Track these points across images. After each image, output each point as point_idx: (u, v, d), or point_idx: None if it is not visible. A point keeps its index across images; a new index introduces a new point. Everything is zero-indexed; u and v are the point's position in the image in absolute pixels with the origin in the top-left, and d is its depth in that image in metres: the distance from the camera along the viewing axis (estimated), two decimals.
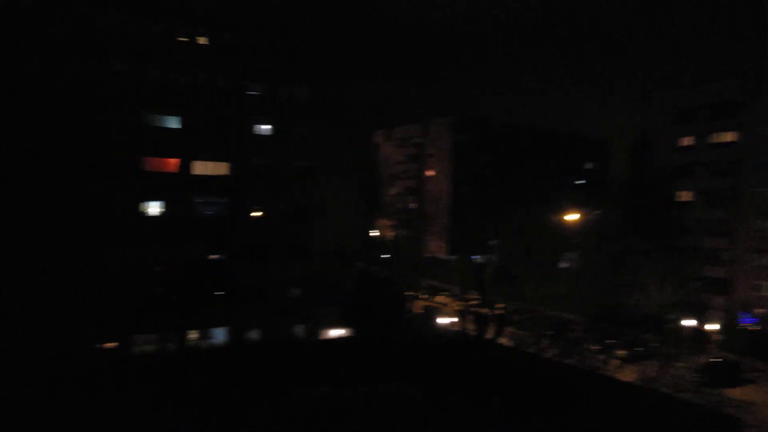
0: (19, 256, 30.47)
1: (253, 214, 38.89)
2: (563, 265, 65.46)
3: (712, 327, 46.98)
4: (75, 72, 33.03)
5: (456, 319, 49.48)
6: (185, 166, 36.61)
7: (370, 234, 73.80)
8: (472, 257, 68.22)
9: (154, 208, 35.71)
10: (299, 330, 39.10)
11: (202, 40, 37.69)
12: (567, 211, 52.77)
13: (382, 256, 68.33)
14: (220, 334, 36.56)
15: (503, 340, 37.81)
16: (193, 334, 35.62)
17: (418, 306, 57.56)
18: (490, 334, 39.89)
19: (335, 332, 39.50)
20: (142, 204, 35.18)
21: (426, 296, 63.84)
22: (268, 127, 39.81)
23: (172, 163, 36.42)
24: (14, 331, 28.98)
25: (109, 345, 32.13)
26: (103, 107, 33.56)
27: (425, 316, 51.24)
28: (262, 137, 39.55)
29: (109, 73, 34.17)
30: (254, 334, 37.47)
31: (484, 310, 46.60)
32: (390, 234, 75.04)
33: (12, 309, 29.47)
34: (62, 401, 20.93)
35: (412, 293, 58.18)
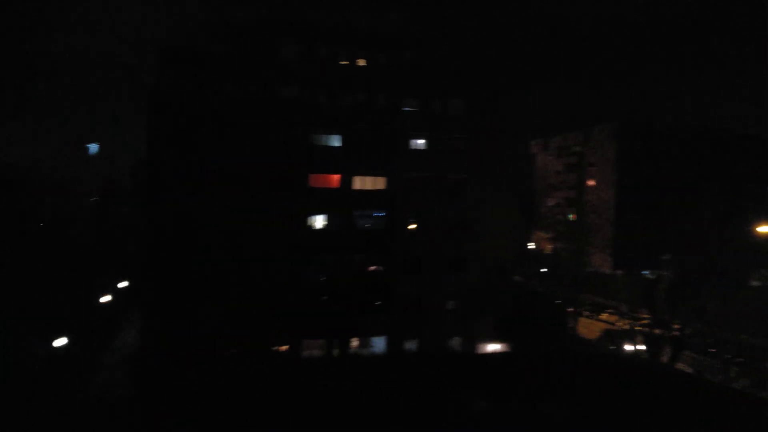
0: (218, 268, 34.14)
1: (410, 226, 39.72)
2: (754, 282, 57.38)
3: None
4: (254, 97, 36.69)
5: (624, 339, 45.72)
6: (346, 182, 38.58)
7: (527, 247, 71.40)
8: (642, 272, 62.71)
9: (319, 221, 38.20)
10: (455, 342, 38.97)
11: (361, 62, 39.80)
12: (755, 220, 46.22)
13: (540, 269, 65.69)
14: (379, 343, 37.84)
15: (681, 366, 34.01)
16: (354, 342, 37.38)
17: (580, 323, 54.29)
18: (665, 358, 36.23)
19: (492, 346, 38.69)
20: (309, 218, 37.79)
21: (589, 313, 60.08)
22: (424, 141, 40.53)
23: (335, 179, 38.62)
24: (208, 331, 32.56)
25: (282, 348, 34.99)
26: (276, 129, 36.85)
27: (589, 335, 48.05)
28: (418, 151, 40.35)
29: (282, 97, 37.47)
30: (412, 345, 38.17)
31: (658, 331, 42.35)
32: (548, 247, 71.90)
33: (205, 312, 33.16)
34: (250, 397, 22.93)
35: (573, 309, 55.04)
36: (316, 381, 29.67)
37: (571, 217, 78.92)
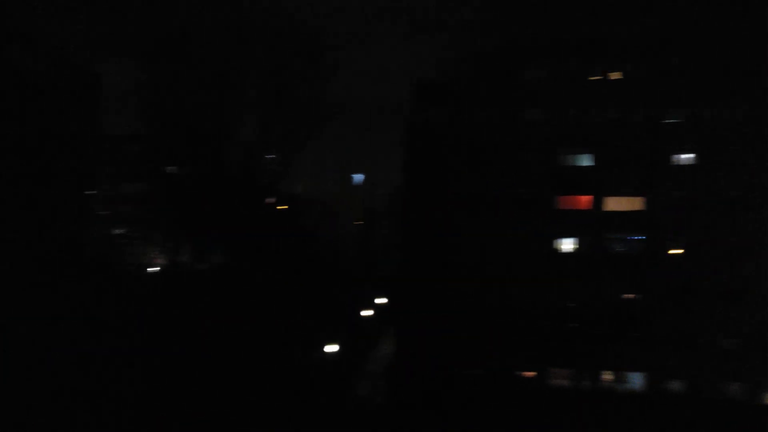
0: (468, 287, 35.39)
1: (674, 251, 35.46)
2: None
3: None
4: (501, 121, 37.38)
5: None
6: (598, 203, 36.41)
7: None
8: None
9: (567, 245, 36.68)
10: (734, 389, 33.19)
11: (615, 75, 37.42)
12: None
13: None
14: (635, 379, 34.35)
15: None
16: (607, 375, 34.59)
17: None
18: None
19: None
20: (555, 241, 36.60)
21: None
22: (690, 155, 36.01)
23: (585, 200, 36.75)
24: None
25: (528, 374, 34.29)
26: (523, 151, 36.89)
27: None
28: (683, 167, 36.01)
29: (528, 119, 37.43)
30: (676, 385, 33.74)
31: None
32: None
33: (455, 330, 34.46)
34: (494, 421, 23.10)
35: None
36: (565, 412, 28.35)
37: None
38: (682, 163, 35.85)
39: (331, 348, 29.13)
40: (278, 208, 43.86)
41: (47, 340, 24.27)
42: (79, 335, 25.82)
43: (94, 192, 40.51)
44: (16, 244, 30.37)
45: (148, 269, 39.81)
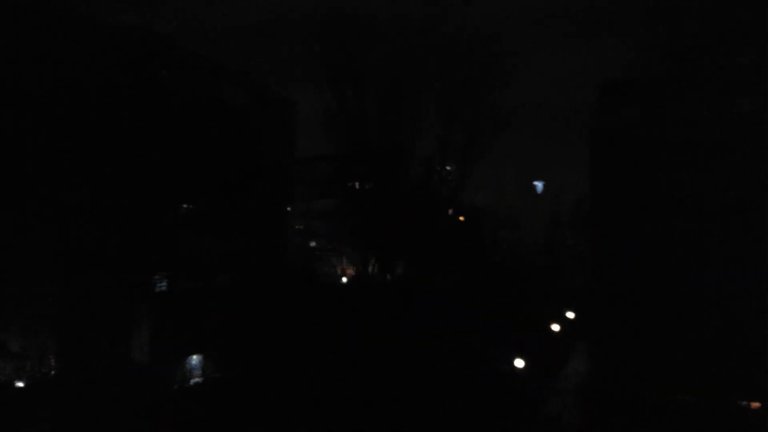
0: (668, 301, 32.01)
1: None
2: None
3: None
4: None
5: None
6: None
7: None
8: None
9: None
10: None
11: None
12: None
13: None
14: None
15: None
16: None
17: None
18: None
19: None
20: None
21: None
22: None
23: None
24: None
25: (753, 404, 29.43)
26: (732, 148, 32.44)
27: None
28: None
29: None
30: None
31: None
32: None
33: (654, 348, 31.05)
34: None
35: None
36: None
37: None
38: None
39: (519, 363, 28.16)
40: (459, 219, 43.97)
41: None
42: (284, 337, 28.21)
43: (290, 209, 44.47)
44: (229, 255, 34.51)
45: (341, 279, 42.57)
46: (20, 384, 22.59)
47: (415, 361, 27.55)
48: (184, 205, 32.81)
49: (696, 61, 35.33)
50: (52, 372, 23.80)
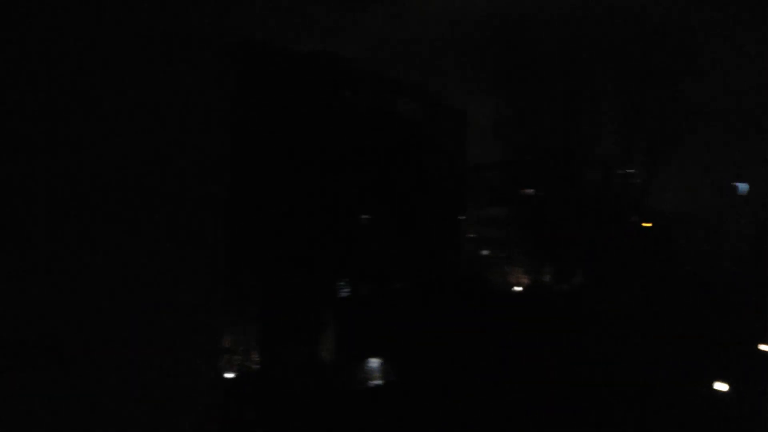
0: None
1: None
2: None
3: None
4: None
5: None
6: None
7: None
8: None
9: None
10: None
11: None
12: None
13: None
14: None
15: None
16: None
17: None
18: None
19: None
20: None
21: None
22: None
23: None
24: None
25: None
26: None
27: None
28: None
29: None
30: None
31: None
32: None
33: None
34: None
35: None
36: None
37: None
38: None
39: (722, 386, 25.02)
40: (643, 225, 40.66)
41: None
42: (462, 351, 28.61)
43: (464, 217, 44.97)
44: (405, 263, 35.98)
45: (514, 288, 41.92)
46: (229, 375, 26.01)
47: (592, 383, 26.02)
48: (364, 215, 35.07)
49: None
50: (256, 366, 27.04)
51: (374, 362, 29.81)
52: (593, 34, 41.76)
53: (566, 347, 28.74)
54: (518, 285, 40.96)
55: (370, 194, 36.35)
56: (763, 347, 29.25)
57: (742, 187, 42.05)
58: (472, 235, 48.16)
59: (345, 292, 32.62)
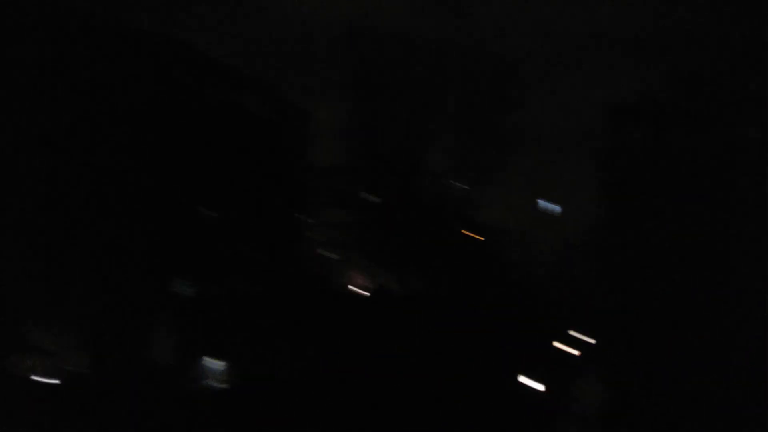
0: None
1: None
2: None
3: None
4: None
5: None
6: None
7: None
8: None
9: None
10: None
11: None
12: None
13: None
14: None
15: None
16: None
17: None
18: None
19: None
20: None
21: None
22: None
23: None
24: None
25: None
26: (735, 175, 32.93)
27: None
28: None
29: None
30: None
31: None
32: None
33: None
34: None
35: None
36: None
37: None
38: None
39: (533, 385, 28.22)
40: (471, 237, 44.36)
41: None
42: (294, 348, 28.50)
43: (307, 219, 44.85)
44: (246, 263, 34.77)
45: (353, 291, 42.76)
46: (53, 381, 23.13)
47: (420, 381, 27.72)
48: (204, 211, 33.16)
49: (701, 87, 35.77)
50: (83, 370, 24.37)
51: (210, 364, 28.38)
52: (437, 55, 44.69)
53: (399, 348, 30.13)
54: (358, 288, 41.93)
55: (210, 190, 34.55)
56: (572, 350, 33.78)
57: (551, 207, 48.01)
58: (315, 237, 48.20)
59: (178, 291, 30.55)
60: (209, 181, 34.09)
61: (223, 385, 27.53)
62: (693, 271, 32.62)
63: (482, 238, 45.29)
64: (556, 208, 49.26)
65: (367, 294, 40.65)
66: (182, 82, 34.89)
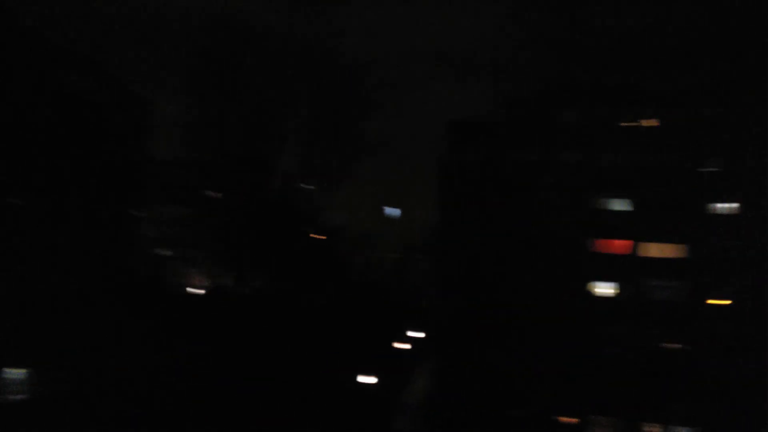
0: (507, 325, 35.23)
1: (717, 301, 35.03)
2: None
3: None
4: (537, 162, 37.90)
5: None
6: (635, 248, 36.38)
7: None
8: None
9: (604, 289, 36.50)
10: None
11: (652, 122, 37.89)
12: None
13: None
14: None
15: None
16: (653, 428, 33.74)
17: None
18: None
19: None
20: (590, 284, 36.45)
21: None
22: (733, 205, 35.94)
23: (623, 245, 36.71)
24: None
25: (569, 419, 33.56)
26: (559, 192, 37.17)
27: None
28: (724, 216, 35.93)
29: (564, 161, 37.90)
30: None
31: None
32: None
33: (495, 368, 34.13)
34: None
35: None
36: None
37: None
38: (720, 212, 35.86)
39: (368, 379, 29.13)
40: (317, 237, 44.65)
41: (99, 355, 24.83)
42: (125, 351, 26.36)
43: (143, 214, 41.66)
44: (68, 262, 31.20)
45: (192, 290, 40.58)
46: None
47: (259, 377, 27.31)
48: (15, 201, 29.12)
49: (527, 109, 39.77)
50: None
51: (15, 373, 24.94)
52: (293, 61, 44.39)
53: (237, 347, 29.34)
54: (198, 288, 39.91)
55: (25, 178, 30.48)
56: (405, 345, 35.43)
57: (394, 212, 50.30)
58: (150, 234, 44.88)
59: None
60: (25, 165, 30.14)
61: (22, 396, 24.41)
62: (519, 270, 36.17)
63: (324, 237, 45.86)
64: (397, 212, 52.08)
65: (204, 293, 38.95)
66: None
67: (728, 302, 34.61)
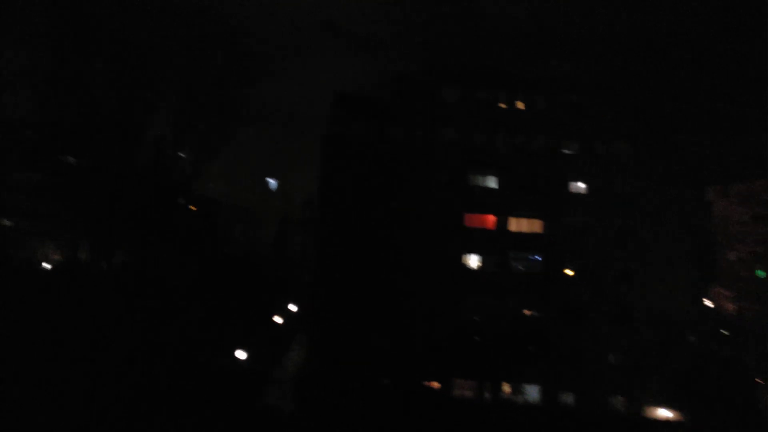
0: (381, 297, 35.66)
1: (569, 272, 38.16)
2: None
3: None
4: (416, 139, 38.61)
5: None
6: (502, 223, 38.44)
7: (704, 304, 64.14)
8: None
9: (474, 261, 38.36)
10: (617, 402, 36.09)
11: (520, 105, 39.99)
12: None
13: (720, 330, 58.47)
14: (532, 392, 36.37)
15: None
16: (506, 387, 36.41)
17: None
18: None
19: (662, 412, 35.13)
20: (463, 257, 38.13)
21: None
22: (585, 185, 39.09)
23: (491, 220, 38.67)
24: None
25: (433, 383, 35.25)
26: (436, 168, 38.24)
27: None
28: (579, 195, 38.99)
29: (442, 139, 39.00)
30: (568, 398, 36.14)
31: None
32: (729, 306, 64.03)
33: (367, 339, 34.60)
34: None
35: (763, 381, 47.84)
36: (466, 423, 29.36)
37: (761, 274, 69.56)
38: (578, 191, 38.88)
39: (240, 354, 28.39)
40: (189, 208, 42.40)
41: None
42: None
43: None
44: None
45: (42, 265, 36.80)
46: None
47: (124, 354, 25.70)
48: None
49: (407, 88, 40.27)
50: None
51: None
52: (169, 22, 41.21)
53: (96, 324, 27.38)
54: (49, 262, 36.22)
55: None
56: (279, 319, 34.72)
57: (273, 183, 48.96)
58: None
59: None
60: None
61: None
62: (394, 244, 36.80)
63: (204, 211, 43.78)
64: (274, 183, 50.86)
65: (53, 267, 35.40)
66: None
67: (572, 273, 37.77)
